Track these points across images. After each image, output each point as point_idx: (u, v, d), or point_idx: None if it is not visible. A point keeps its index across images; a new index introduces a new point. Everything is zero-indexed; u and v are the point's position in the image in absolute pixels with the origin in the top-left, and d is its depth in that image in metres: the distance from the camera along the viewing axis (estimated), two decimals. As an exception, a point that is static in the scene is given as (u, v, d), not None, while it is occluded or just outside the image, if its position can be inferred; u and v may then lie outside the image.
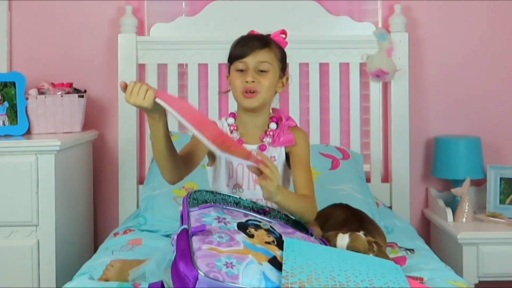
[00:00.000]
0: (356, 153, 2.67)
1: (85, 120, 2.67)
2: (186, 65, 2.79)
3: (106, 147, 2.84)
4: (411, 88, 2.77)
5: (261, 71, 1.77)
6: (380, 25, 2.83)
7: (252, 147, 1.82)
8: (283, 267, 1.33)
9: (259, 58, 1.76)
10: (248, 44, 1.78)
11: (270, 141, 1.83)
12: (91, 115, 2.78)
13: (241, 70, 1.78)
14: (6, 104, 2.48)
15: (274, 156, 1.83)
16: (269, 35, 1.86)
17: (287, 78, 1.88)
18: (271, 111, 1.88)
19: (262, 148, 1.83)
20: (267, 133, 1.84)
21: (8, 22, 2.79)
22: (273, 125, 1.85)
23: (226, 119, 1.89)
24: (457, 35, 2.83)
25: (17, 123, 2.48)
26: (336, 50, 2.74)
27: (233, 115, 1.89)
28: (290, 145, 1.83)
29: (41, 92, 2.55)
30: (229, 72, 1.85)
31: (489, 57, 2.83)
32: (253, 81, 1.75)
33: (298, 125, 1.96)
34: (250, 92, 1.76)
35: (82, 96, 2.60)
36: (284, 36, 1.88)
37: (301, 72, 2.77)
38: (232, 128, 1.86)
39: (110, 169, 2.82)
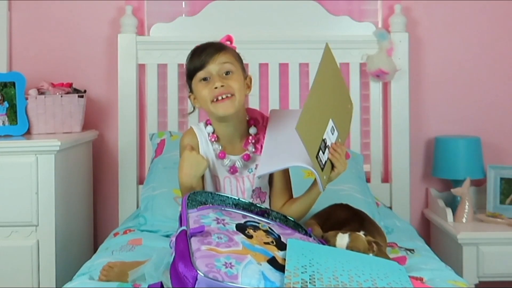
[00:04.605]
0: (356, 153, 2.67)
1: (85, 120, 2.67)
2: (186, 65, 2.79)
3: (106, 147, 2.84)
4: (411, 88, 2.77)
5: (226, 74, 1.72)
6: (380, 25, 2.83)
7: (235, 158, 1.81)
8: (286, 267, 1.33)
9: (219, 61, 1.72)
10: (204, 52, 1.73)
11: (253, 149, 1.81)
12: (91, 115, 2.78)
13: (205, 79, 1.73)
14: (6, 104, 2.49)
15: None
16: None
17: (251, 79, 1.83)
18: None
19: (245, 158, 1.81)
20: (249, 141, 1.81)
21: (8, 22, 2.79)
22: (253, 130, 1.82)
23: (205, 126, 1.84)
24: (457, 35, 2.83)
25: (17, 123, 2.49)
26: (336, 50, 2.66)
27: (210, 122, 1.84)
28: None
29: (41, 92, 2.56)
30: (190, 90, 1.79)
31: (489, 57, 2.83)
32: (222, 86, 1.70)
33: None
34: (222, 98, 1.70)
35: (82, 96, 2.61)
36: (229, 42, 1.83)
37: (301, 72, 2.77)
38: (213, 139, 1.81)
39: (110, 169, 2.82)
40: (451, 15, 2.83)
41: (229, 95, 1.72)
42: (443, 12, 2.82)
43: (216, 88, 1.70)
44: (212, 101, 1.72)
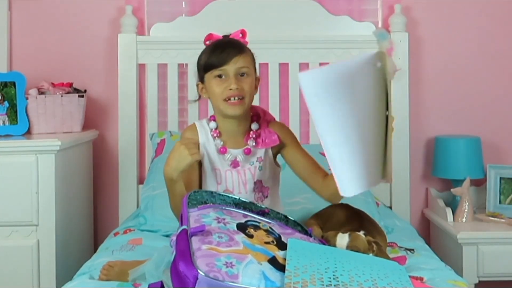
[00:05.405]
0: (356, 153, 2.66)
1: (85, 120, 2.67)
2: (186, 65, 2.80)
3: (106, 147, 2.84)
4: (411, 88, 2.77)
5: (241, 75, 1.77)
6: (380, 25, 2.83)
7: (236, 152, 1.83)
8: (286, 267, 1.33)
9: (239, 64, 1.76)
10: (225, 52, 1.76)
11: (254, 144, 1.83)
12: (91, 115, 2.78)
13: (219, 76, 1.77)
14: (6, 104, 2.49)
15: (261, 157, 1.84)
16: (228, 35, 1.85)
17: (259, 80, 1.88)
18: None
19: (246, 152, 1.83)
20: (250, 135, 1.84)
21: (8, 22, 2.79)
22: (254, 126, 1.86)
23: (208, 123, 1.87)
24: (457, 35, 2.83)
25: (17, 123, 2.49)
26: (336, 50, 2.74)
27: (214, 118, 1.88)
28: (276, 145, 1.83)
29: (41, 92, 2.56)
30: (201, 81, 1.83)
31: (489, 57, 2.83)
32: (237, 88, 1.74)
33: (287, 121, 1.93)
34: (235, 99, 1.75)
35: (82, 96, 2.61)
36: (241, 35, 1.86)
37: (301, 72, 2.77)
38: (215, 134, 1.85)
39: (110, 169, 2.82)
40: (451, 15, 2.83)
41: (240, 98, 1.77)
42: (443, 12, 2.83)
43: (231, 89, 1.75)
44: (225, 100, 1.76)
